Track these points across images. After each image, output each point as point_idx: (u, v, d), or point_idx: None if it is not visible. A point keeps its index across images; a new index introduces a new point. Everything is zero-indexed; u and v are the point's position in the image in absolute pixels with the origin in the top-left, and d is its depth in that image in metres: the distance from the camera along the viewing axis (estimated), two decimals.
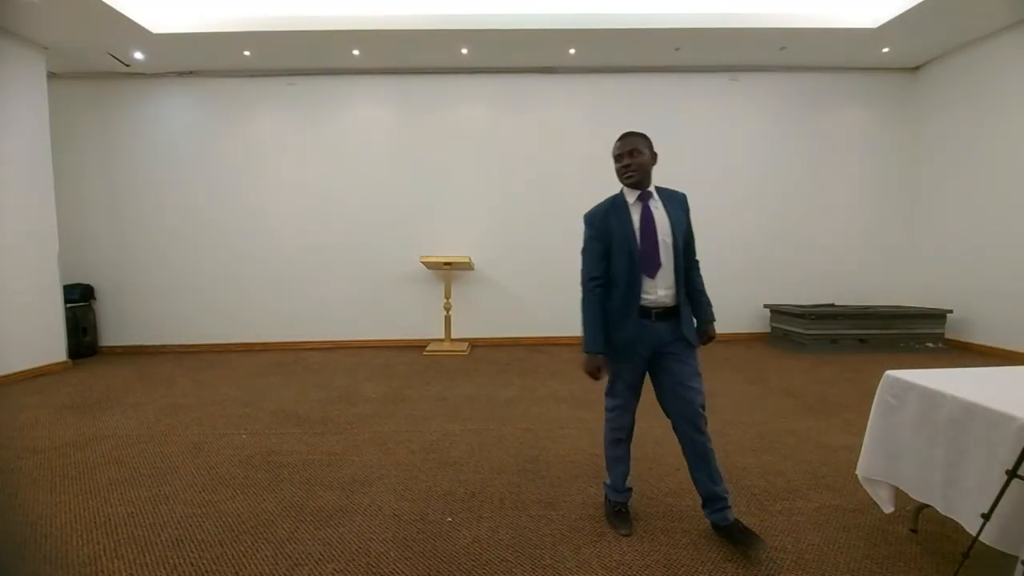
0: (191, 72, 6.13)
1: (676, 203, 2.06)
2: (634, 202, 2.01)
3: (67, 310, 5.51)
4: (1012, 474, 1.36)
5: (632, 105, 6.25)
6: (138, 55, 5.57)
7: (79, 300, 5.92)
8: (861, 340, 5.75)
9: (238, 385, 4.57)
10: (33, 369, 4.97)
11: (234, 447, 3.06)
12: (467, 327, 6.29)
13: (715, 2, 5.22)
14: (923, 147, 6.34)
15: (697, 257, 2.13)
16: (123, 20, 4.77)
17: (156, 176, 6.23)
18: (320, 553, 1.96)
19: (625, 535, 2.05)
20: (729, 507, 1.98)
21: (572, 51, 5.77)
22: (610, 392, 2.15)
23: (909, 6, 4.90)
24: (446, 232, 6.32)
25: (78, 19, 4.73)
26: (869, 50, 5.83)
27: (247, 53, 5.67)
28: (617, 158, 2.03)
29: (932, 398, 1.78)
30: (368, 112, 6.31)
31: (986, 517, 1.41)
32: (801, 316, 5.76)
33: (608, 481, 2.22)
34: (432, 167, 6.32)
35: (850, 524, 2.10)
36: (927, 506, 1.85)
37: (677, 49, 5.76)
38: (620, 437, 2.14)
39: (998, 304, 5.40)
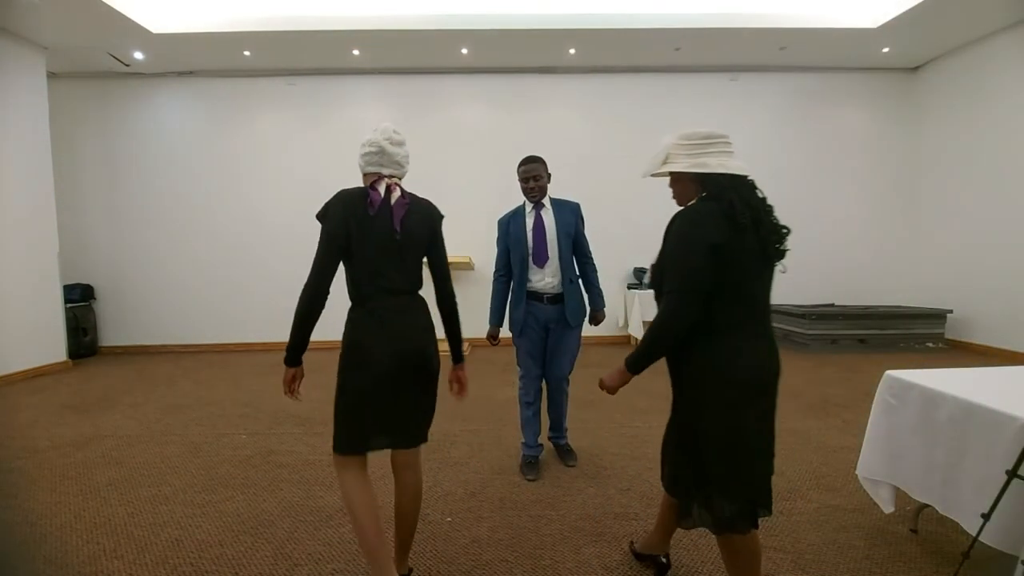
0: (191, 72, 6.13)
1: (568, 210, 2.62)
2: (530, 211, 2.62)
3: (67, 310, 5.50)
4: (1012, 474, 1.36)
5: (632, 105, 6.22)
6: (138, 55, 5.57)
7: (79, 300, 5.92)
8: (861, 340, 5.74)
9: (238, 385, 4.56)
10: (33, 369, 4.97)
11: (234, 447, 3.06)
12: (467, 327, 6.21)
13: (715, 2, 5.22)
14: (923, 147, 6.33)
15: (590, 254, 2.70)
16: (123, 20, 4.77)
17: (156, 176, 6.23)
18: (320, 553, 1.96)
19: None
20: (564, 436, 2.83)
21: (572, 51, 5.77)
22: (518, 364, 2.71)
23: (909, 6, 4.90)
24: (446, 232, 6.28)
25: (78, 19, 4.72)
26: (869, 50, 5.82)
27: (247, 53, 5.67)
28: (524, 180, 2.58)
29: (932, 398, 1.78)
30: (368, 112, 6.30)
31: (986, 517, 1.41)
32: (801, 316, 5.75)
33: (523, 439, 2.71)
34: (432, 167, 6.30)
35: (850, 524, 2.10)
36: (927, 506, 1.85)
37: (677, 49, 5.75)
38: (529, 400, 2.68)
39: (998, 304, 5.40)
